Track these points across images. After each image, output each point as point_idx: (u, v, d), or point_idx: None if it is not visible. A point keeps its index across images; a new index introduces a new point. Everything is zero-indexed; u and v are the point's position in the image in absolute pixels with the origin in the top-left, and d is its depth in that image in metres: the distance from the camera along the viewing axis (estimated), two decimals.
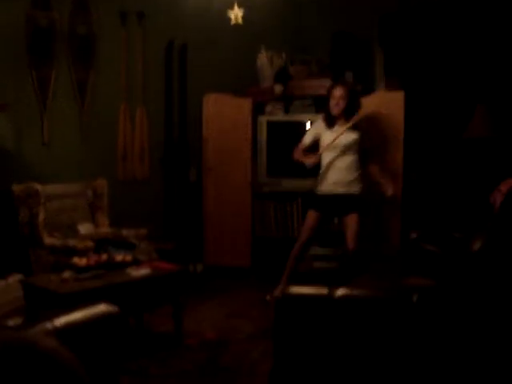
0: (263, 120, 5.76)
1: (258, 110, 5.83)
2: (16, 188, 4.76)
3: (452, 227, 3.91)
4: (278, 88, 5.73)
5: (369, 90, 5.74)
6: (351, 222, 4.89)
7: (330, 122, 4.92)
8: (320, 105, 5.29)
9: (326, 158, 4.91)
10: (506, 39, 5.04)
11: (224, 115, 5.91)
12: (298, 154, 5.03)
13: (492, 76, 5.16)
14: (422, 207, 5.49)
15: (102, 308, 2.31)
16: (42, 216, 4.68)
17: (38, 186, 4.74)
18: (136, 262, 4.11)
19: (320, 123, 5.00)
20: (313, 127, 5.10)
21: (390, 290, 2.74)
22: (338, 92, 4.85)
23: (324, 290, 2.74)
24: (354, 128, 4.86)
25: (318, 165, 4.94)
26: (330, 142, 4.80)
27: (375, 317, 2.54)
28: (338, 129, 4.88)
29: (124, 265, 4.04)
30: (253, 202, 5.89)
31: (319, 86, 5.58)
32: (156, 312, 4.47)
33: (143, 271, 3.94)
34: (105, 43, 5.60)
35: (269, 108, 5.83)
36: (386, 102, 5.38)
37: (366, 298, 2.67)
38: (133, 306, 3.84)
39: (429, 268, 3.24)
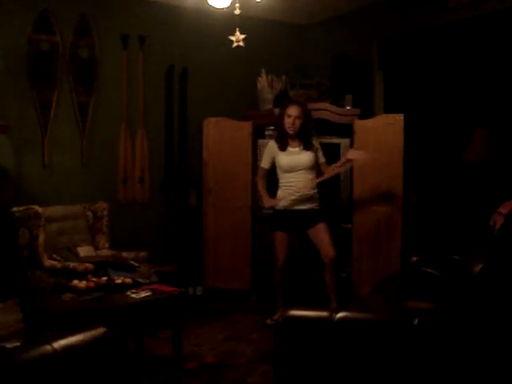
0: (263, 143, 5.78)
1: (257, 133, 5.85)
2: (16, 210, 4.76)
3: (452, 250, 3.91)
4: (278, 111, 5.75)
5: (369, 113, 5.77)
6: (320, 231, 4.94)
7: (283, 144, 4.99)
8: (319, 128, 5.30)
9: (285, 177, 4.97)
10: (505, 62, 5.07)
11: (224, 138, 5.93)
12: (261, 186, 5.15)
13: (491, 99, 5.19)
14: (422, 230, 5.48)
15: (101, 331, 2.30)
16: (41, 238, 4.67)
17: (39, 208, 4.74)
18: (136, 285, 4.11)
19: (273, 145, 5.07)
20: (267, 150, 5.13)
21: (390, 313, 2.73)
22: (294, 112, 4.90)
23: (324, 313, 2.73)
24: (308, 148, 4.95)
25: (276, 183, 5.07)
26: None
27: (376, 340, 2.53)
28: (291, 150, 4.95)
29: (124, 287, 4.04)
30: (253, 225, 5.89)
31: (319, 109, 5.62)
32: (156, 335, 4.45)
33: (143, 294, 3.93)
34: (106, 67, 5.63)
35: (269, 131, 5.84)
36: (385, 125, 5.40)
37: (367, 321, 2.66)
38: (132, 329, 3.82)
39: (429, 291, 3.23)
